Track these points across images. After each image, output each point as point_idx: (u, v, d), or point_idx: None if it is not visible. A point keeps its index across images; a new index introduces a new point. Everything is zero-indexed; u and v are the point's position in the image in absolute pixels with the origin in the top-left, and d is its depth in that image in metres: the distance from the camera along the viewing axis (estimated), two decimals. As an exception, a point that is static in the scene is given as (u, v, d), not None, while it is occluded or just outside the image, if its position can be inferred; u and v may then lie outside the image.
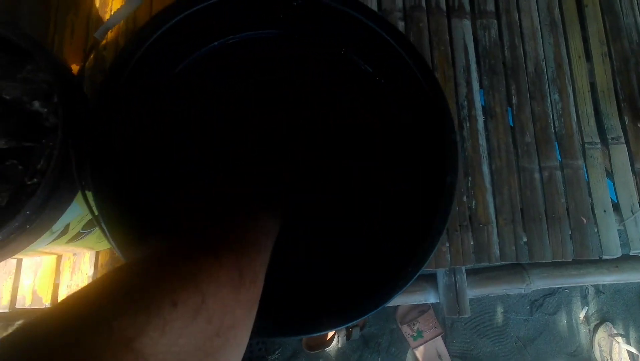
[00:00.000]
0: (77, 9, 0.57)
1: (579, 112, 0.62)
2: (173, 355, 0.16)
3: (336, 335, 1.04)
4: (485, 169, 0.58)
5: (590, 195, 0.59)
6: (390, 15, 0.62)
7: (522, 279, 0.57)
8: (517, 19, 0.64)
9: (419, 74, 0.33)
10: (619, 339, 1.11)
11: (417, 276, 0.29)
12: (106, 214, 0.29)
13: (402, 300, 0.59)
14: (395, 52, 0.34)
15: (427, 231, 0.30)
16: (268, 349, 1.01)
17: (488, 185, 0.58)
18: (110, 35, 0.56)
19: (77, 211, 0.36)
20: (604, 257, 0.57)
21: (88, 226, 0.40)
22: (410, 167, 0.38)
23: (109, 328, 0.14)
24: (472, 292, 0.57)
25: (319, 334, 0.34)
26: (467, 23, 0.63)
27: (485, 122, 0.60)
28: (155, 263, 0.20)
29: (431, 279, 0.58)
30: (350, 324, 0.29)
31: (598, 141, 0.61)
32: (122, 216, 0.30)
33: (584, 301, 1.18)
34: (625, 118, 0.63)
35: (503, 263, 0.56)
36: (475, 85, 0.61)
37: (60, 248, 0.41)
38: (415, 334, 1.05)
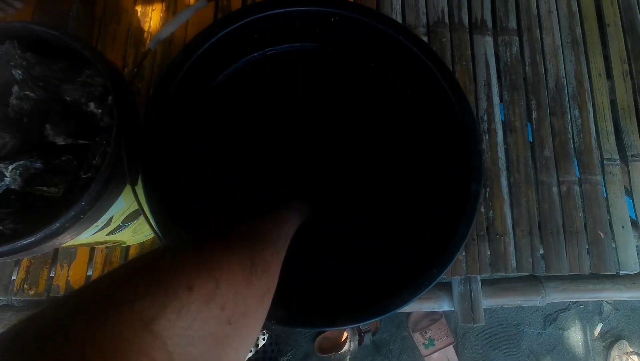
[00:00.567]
0: (119, 19, 0.61)
1: (598, 128, 0.63)
2: (187, 338, 0.16)
3: (349, 339, 1.04)
4: (504, 181, 0.60)
5: (608, 211, 0.60)
6: (414, 31, 0.64)
7: (538, 291, 0.58)
8: (538, 36, 0.66)
9: (450, 92, 0.35)
10: (635, 358, 1.09)
11: (441, 276, 0.31)
12: (154, 206, 0.31)
13: (417, 307, 0.61)
14: (424, 65, 0.36)
15: (452, 235, 0.32)
16: (281, 350, 1.03)
17: (506, 197, 0.59)
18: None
19: (121, 205, 0.39)
20: (622, 272, 0.57)
21: (128, 220, 0.43)
22: (433, 174, 0.40)
23: (131, 309, 0.16)
24: (486, 302, 0.58)
25: (336, 329, 0.36)
26: (489, 39, 0.65)
27: (504, 135, 0.62)
28: (171, 252, 0.22)
29: (446, 287, 0.59)
30: (374, 320, 0.31)
31: (617, 157, 0.62)
32: (166, 210, 0.32)
33: (599, 318, 1.16)
34: (646, 136, 0.63)
35: (519, 274, 0.57)
36: (496, 99, 0.62)
37: (100, 240, 0.44)
38: (427, 342, 1.06)
